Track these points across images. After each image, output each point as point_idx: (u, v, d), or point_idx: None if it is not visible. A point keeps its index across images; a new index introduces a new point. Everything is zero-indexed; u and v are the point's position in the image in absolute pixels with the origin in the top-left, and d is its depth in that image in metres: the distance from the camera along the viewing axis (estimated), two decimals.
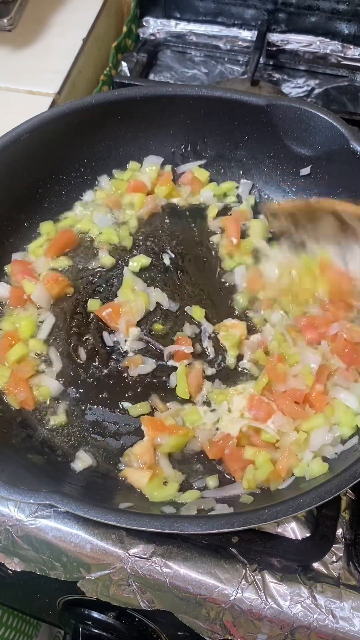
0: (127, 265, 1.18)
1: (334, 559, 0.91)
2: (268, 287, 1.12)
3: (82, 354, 1.09)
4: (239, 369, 1.07)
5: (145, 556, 0.89)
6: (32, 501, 0.79)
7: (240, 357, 1.08)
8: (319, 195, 1.20)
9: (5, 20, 1.45)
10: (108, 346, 1.09)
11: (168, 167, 1.27)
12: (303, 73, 1.62)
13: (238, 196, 1.27)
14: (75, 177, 1.24)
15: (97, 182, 1.26)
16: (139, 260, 1.18)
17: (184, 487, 0.95)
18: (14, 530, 0.93)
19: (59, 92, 1.40)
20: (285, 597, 0.86)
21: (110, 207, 1.24)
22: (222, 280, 1.17)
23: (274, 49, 1.62)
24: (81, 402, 1.04)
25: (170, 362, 1.07)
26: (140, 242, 1.22)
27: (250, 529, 0.89)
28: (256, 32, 1.58)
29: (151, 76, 1.62)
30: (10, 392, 1.02)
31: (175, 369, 1.06)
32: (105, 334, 1.10)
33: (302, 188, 1.22)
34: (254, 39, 1.58)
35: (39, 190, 1.20)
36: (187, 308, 1.13)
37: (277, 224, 1.13)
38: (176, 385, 1.04)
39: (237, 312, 1.13)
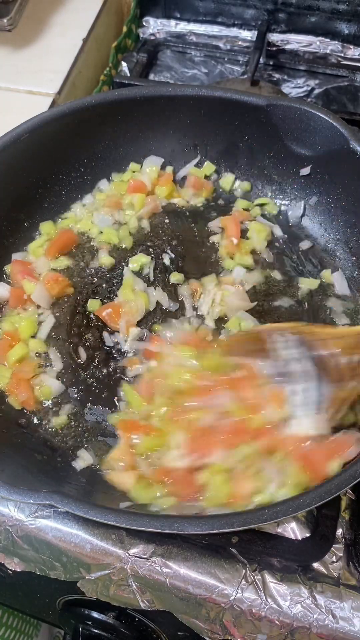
0: (127, 265, 1.18)
1: (334, 559, 0.91)
2: None
3: (82, 353, 1.09)
4: None
5: (145, 556, 0.89)
6: (32, 501, 0.79)
7: None
8: (319, 195, 1.20)
9: (5, 20, 1.45)
10: (108, 346, 1.09)
11: (169, 168, 1.27)
12: (303, 73, 1.62)
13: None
14: (75, 177, 1.24)
15: (97, 186, 1.26)
16: (139, 260, 1.18)
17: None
18: (13, 530, 0.93)
19: (59, 92, 1.40)
20: (285, 597, 0.86)
21: (110, 208, 1.24)
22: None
23: (274, 49, 1.62)
24: (82, 402, 1.04)
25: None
26: (140, 242, 1.22)
27: (250, 529, 0.89)
28: (256, 32, 1.58)
29: (151, 76, 1.62)
30: (12, 393, 1.02)
31: None
32: (105, 334, 1.10)
33: (302, 188, 1.22)
34: (254, 39, 1.58)
35: (39, 190, 1.20)
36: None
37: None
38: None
39: None
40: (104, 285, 1.17)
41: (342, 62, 1.61)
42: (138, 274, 1.17)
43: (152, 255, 1.20)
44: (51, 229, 1.20)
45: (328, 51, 1.61)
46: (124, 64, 1.59)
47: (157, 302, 1.14)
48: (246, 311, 1.11)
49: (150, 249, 1.21)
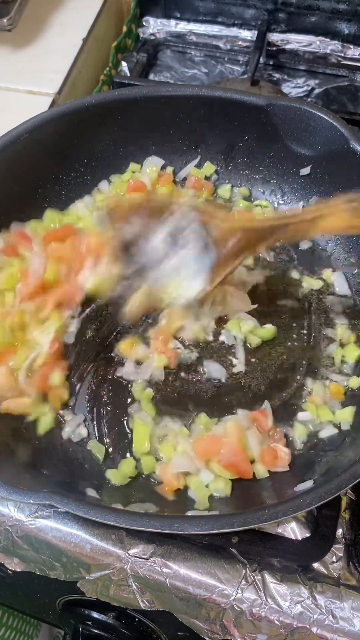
0: None
1: (334, 559, 0.91)
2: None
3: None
4: None
5: (145, 556, 0.89)
6: (32, 501, 0.79)
7: None
8: (319, 196, 1.20)
9: (5, 20, 1.45)
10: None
11: (169, 169, 1.27)
12: (303, 73, 1.62)
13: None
14: (75, 177, 1.24)
15: (97, 187, 1.26)
16: None
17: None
18: (13, 531, 0.93)
19: (58, 92, 1.40)
20: (285, 598, 0.86)
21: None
22: None
23: (274, 48, 1.62)
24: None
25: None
26: None
27: (250, 529, 0.89)
28: (256, 32, 1.58)
29: (151, 76, 1.62)
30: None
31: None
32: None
33: (302, 188, 1.22)
34: (254, 38, 1.58)
35: (39, 190, 1.19)
36: None
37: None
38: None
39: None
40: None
41: (342, 62, 1.60)
42: None
43: None
44: (55, 219, 1.19)
45: (328, 51, 1.60)
46: (124, 63, 1.59)
47: None
48: (247, 312, 1.11)
49: None
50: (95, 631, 1.05)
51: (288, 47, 1.62)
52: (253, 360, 1.08)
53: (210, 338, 1.10)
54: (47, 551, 0.93)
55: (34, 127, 1.12)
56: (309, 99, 1.56)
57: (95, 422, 1.02)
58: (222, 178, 1.29)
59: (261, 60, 1.57)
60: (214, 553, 0.90)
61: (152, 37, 1.70)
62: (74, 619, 1.07)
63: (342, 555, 0.91)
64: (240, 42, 1.65)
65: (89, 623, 1.05)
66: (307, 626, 0.85)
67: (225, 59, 1.65)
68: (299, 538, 0.93)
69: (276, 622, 0.86)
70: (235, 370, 1.06)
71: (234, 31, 1.65)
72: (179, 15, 1.68)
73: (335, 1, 1.52)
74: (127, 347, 1.08)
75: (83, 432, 1.01)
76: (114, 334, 1.11)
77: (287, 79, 1.60)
